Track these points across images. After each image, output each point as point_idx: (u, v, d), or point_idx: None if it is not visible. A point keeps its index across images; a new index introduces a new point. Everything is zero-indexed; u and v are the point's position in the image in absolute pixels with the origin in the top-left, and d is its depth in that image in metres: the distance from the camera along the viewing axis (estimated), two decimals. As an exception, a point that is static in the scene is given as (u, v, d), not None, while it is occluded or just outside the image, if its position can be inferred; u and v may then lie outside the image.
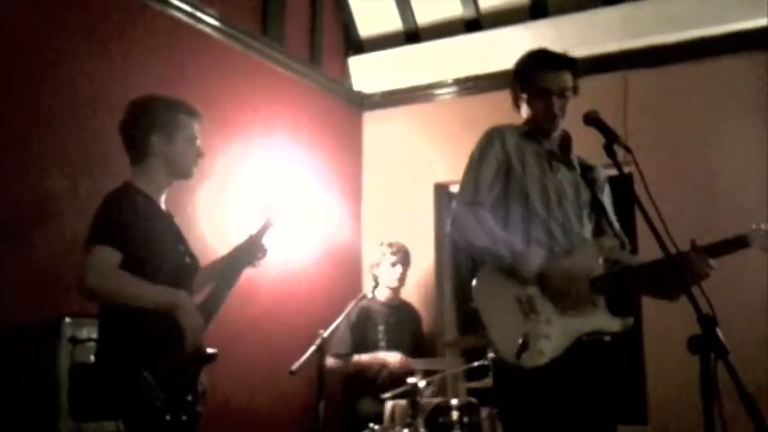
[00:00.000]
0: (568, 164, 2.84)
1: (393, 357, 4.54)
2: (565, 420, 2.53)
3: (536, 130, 2.83)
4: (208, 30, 4.46)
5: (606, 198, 2.89)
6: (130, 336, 2.46)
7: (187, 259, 2.70)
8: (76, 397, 2.93)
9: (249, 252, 2.81)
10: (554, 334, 2.56)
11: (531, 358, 2.49)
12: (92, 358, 3.00)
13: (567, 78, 2.79)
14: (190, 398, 2.48)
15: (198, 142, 2.73)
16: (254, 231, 2.85)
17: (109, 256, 2.40)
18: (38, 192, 3.42)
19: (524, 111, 2.87)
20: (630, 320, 2.68)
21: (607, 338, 2.69)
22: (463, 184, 2.79)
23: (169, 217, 2.74)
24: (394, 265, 4.80)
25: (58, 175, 3.50)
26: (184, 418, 2.44)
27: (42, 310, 3.23)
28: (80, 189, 3.56)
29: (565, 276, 2.60)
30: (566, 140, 2.87)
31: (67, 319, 3.05)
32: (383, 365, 4.54)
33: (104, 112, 3.74)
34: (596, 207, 2.84)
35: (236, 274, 2.75)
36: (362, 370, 4.60)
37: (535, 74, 2.80)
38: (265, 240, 2.85)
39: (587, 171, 2.86)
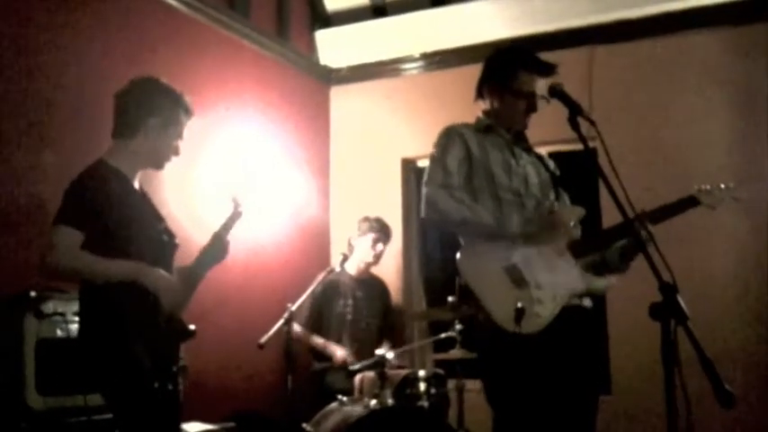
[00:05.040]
0: (528, 150, 2.92)
1: (339, 353, 4.57)
2: (558, 387, 2.58)
3: (501, 124, 2.87)
4: (172, 1, 4.39)
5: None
6: (115, 309, 2.49)
7: (165, 237, 2.72)
8: (44, 371, 2.92)
9: (217, 249, 2.77)
10: (546, 297, 2.63)
11: (529, 323, 2.55)
12: (58, 332, 3.00)
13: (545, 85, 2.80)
14: (174, 369, 2.54)
15: (180, 142, 2.77)
16: (223, 221, 2.80)
17: (70, 236, 2.46)
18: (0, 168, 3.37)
19: (492, 103, 2.89)
20: (613, 280, 2.78)
21: (588, 304, 2.78)
22: (431, 171, 2.81)
23: (143, 195, 2.74)
24: (376, 242, 4.86)
25: (20, 150, 3.45)
26: (170, 387, 2.50)
27: (7, 284, 3.20)
28: (42, 164, 3.50)
29: (549, 225, 2.70)
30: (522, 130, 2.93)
31: (33, 294, 3.02)
32: (330, 356, 4.59)
33: (70, 85, 3.70)
34: (555, 185, 2.92)
35: (205, 270, 2.75)
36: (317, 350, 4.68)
37: (523, 74, 2.81)
38: (230, 235, 2.81)
39: (538, 156, 2.97)
